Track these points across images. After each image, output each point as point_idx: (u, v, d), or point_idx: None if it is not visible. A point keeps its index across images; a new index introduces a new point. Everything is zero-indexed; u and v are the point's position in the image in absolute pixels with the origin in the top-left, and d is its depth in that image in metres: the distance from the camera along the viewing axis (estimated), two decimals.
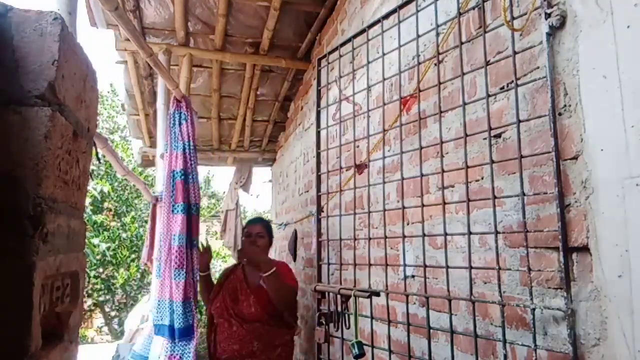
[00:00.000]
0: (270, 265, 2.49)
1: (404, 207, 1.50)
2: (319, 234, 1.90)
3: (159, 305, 2.30)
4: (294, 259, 3.79)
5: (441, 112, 1.37)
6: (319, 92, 1.99)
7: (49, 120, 0.69)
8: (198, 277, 2.46)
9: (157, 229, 2.75)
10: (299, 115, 4.04)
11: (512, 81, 1.15)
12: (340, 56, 1.83)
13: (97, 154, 1.29)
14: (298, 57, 3.70)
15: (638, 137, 0.88)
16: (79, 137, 0.83)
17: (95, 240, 8.86)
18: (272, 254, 5.44)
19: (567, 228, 1.04)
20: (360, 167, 1.81)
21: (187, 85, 3.43)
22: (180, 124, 2.50)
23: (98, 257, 9.19)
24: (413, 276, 1.76)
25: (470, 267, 1.24)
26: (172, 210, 2.34)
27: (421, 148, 1.43)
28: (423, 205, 1.41)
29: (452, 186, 1.50)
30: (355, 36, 1.79)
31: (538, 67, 1.16)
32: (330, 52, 1.94)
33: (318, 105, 1.98)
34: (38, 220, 0.65)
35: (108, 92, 12.10)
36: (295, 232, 3.81)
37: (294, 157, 4.19)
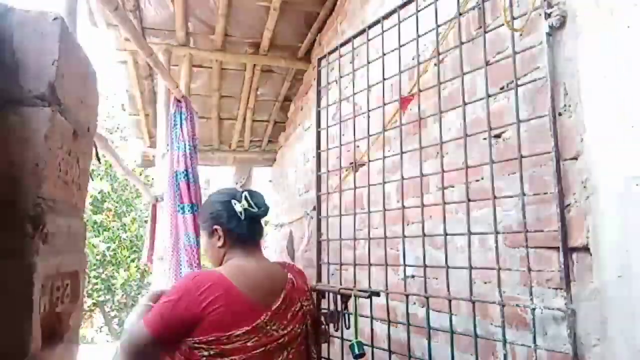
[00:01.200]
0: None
1: (404, 207, 1.50)
2: (319, 234, 1.90)
3: None
4: (292, 259, 3.79)
5: (441, 112, 1.37)
6: (319, 92, 1.99)
7: (49, 120, 0.69)
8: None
9: (161, 228, 2.75)
10: (299, 115, 4.04)
11: (512, 81, 1.15)
12: (340, 56, 1.83)
13: (97, 154, 1.29)
14: (298, 57, 3.70)
15: (638, 137, 0.88)
16: (79, 137, 0.83)
17: (95, 240, 8.87)
18: (273, 256, 5.46)
19: (567, 228, 1.04)
20: (356, 167, 1.81)
21: (187, 85, 3.44)
22: (181, 124, 2.52)
23: (98, 257, 9.20)
24: (413, 276, 1.76)
25: (470, 267, 1.24)
26: (179, 211, 2.36)
27: (421, 148, 1.43)
28: (423, 205, 1.41)
29: (452, 186, 1.50)
30: (355, 36, 1.79)
31: (538, 67, 1.16)
32: (330, 52, 1.94)
33: (318, 105, 1.98)
34: (38, 220, 0.65)
35: (108, 92, 12.11)
36: (291, 232, 3.81)
37: (294, 157, 4.19)
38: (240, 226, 1.34)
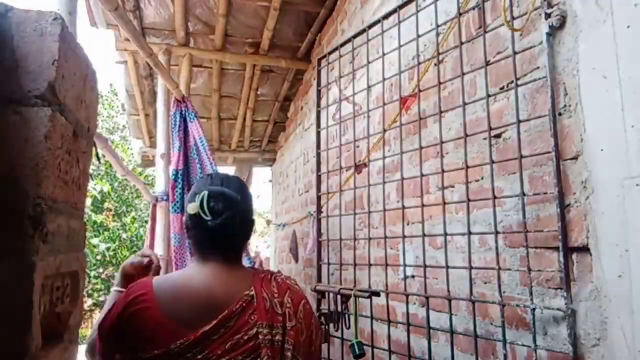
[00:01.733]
0: None
1: (404, 207, 1.50)
2: (319, 234, 1.90)
3: None
4: (296, 260, 3.79)
5: (441, 112, 1.37)
6: (319, 92, 1.99)
7: (49, 120, 0.68)
8: None
9: (163, 228, 2.76)
10: (299, 115, 4.04)
11: (512, 81, 1.15)
12: (340, 56, 1.83)
13: (97, 154, 1.29)
14: (298, 57, 3.70)
15: (638, 137, 0.88)
16: (79, 137, 0.83)
17: (95, 240, 8.88)
18: (272, 256, 5.46)
19: (567, 228, 1.03)
20: (359, 167, 1.81)
21: (187, 85, 3.43)
22: (185, 123, 2.54)
23: (98, 257, 9.20)
24: (413, 276, 1.76)
25: (470, 267, 1.24)
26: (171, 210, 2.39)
27: (421, 148, 1.43)
28: (423, 205, 1.41)
29: (452, 186, 1.50)
30: (355, 36, 1.79)
31: (538, 67, 1.16)
32: (330, 52, 1.94)
33: (318, 105, 1.98)
34: (38, 220, 0.65)
35: (108, 92, 12.12)
36: (295, 232, 3.81)
37: (294, 157, 4.19)
38: (197, 228, 1.04)
